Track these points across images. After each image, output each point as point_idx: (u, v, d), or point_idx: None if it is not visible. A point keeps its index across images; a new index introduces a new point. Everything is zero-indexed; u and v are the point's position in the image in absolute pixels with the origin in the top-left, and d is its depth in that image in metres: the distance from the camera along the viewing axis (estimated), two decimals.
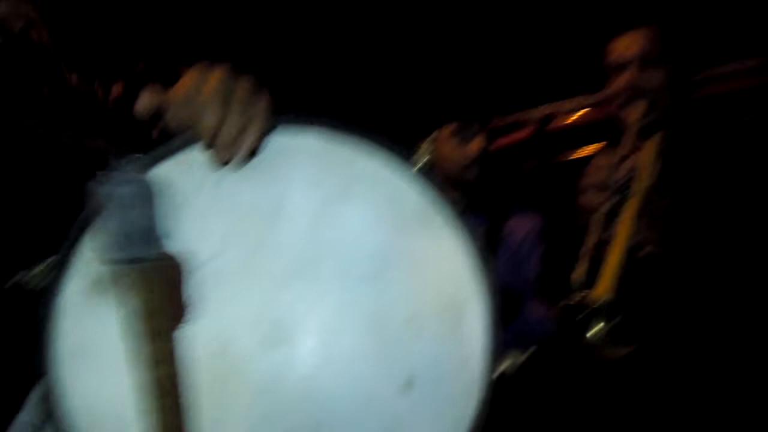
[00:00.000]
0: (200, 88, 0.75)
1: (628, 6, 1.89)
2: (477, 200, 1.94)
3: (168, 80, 0.86)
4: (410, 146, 0.87)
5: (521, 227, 2.02)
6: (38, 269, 0.76)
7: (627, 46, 1.73)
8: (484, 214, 1.96)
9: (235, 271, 0.82)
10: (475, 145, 1.90)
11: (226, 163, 0.77)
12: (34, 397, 0.79)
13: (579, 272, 1.52)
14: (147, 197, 0.74)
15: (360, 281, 0.85)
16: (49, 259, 0.77)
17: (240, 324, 0.81)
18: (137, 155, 0.76)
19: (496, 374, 0.84)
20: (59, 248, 0.78)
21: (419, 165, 0.85)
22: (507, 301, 1.61)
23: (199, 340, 0.79)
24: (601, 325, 1.43)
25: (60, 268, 0.78)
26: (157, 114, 0.89)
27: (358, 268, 0.85)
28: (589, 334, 1.43)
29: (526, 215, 2.06)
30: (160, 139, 0.83)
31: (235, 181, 0.82)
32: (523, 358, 0.87)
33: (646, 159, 1.61)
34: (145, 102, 0.91)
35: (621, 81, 1.71)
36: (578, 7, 2.67)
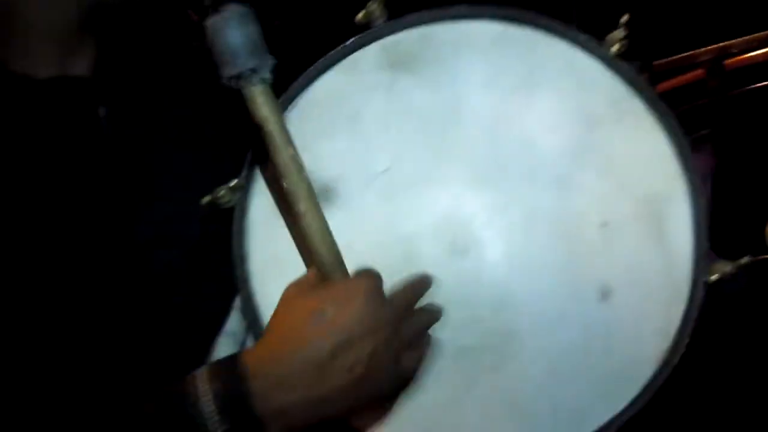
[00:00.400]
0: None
1: None
2: None
3: None
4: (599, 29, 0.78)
5: None
6: (224, 189, 0.77)
7: None
8: None
9: (416, 177, 0.79)
10: None
11: None
12: (235, 309, 0.80)
13: None
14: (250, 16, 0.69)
15: (548, 183, 0.78)
16: (233, 181, 0.78)
17: (424, 233, 0.78)
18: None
19: (707, 279, 0.75)
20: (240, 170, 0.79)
21: (614, 48, 0.76)
22: None
23: (383, 251, 0.77)
24: None
25: (244, 188, 0.79)
26: None
27: (546, 169, 0.78)
28: None
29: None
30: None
31: (408, 84, 0.79)
32: (732, 269, 0.76)
33: None
34: None
35: None
36: None
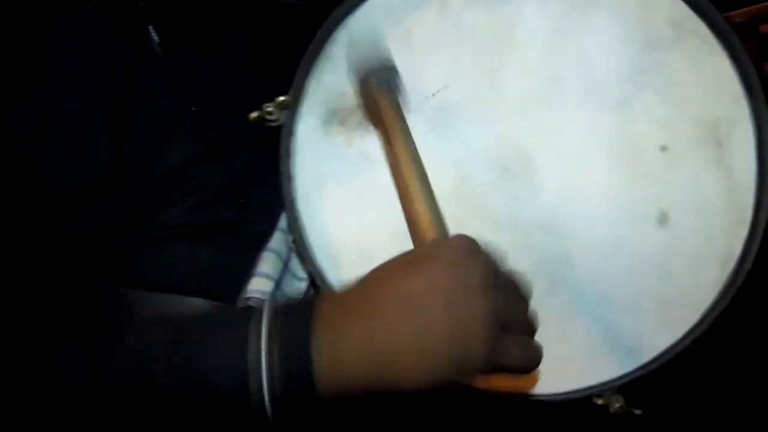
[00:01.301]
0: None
1: None
2: None
3: None
4: None
5: None
6: (272, 105, 0.75)
7: None
8: None
9: (468, 100, 0.77)
10: None
11: None
12: (279, 229, 0.79)
13: None
14: None
15: (606, 106, 0.76)
16: (281, 98, 0.76)
17: (477, 155, 0.76)
18: None
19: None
20: (288, 87, 0.77)
21: None
22: None
23: (434, 174, 0.75)
24: None
25: (292, 105, 0.77)
26: None
27: (604, 91, 0.76)
28: None
29: None
30: None
31: (461, 2, 0.76)
32: None
33: None
34: None
35: None
36: None
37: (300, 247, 0.76)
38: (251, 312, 0.54)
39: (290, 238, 0.77)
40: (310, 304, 0.54)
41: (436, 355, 0.51)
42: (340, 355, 0.51)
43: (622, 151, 0.76)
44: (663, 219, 0.75)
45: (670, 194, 0.75)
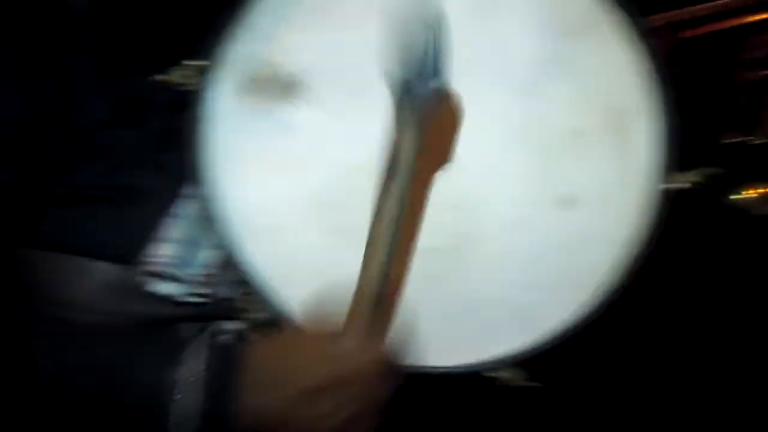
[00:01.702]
0: None
1: None
2: None
3: None
4: None
5: None
6: (184, 69, 0.74)
7: None
8: None
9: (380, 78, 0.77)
10: None
11: None
12: (186, 196, 0.78)
13: None
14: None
15: (517, 91, 0.78)
16: (196, 62, 0.75)
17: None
18: None
19: (670, 189, 0.76)
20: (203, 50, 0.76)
21: None
22: None
23: (349, 146, 0.76)
24: None
25: (208, 70, 0.76)
26: None
27: (515, 76, 0.78)
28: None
29: None
30: None
31: None
32: (692, 179, 0.78)
33: None
34: None
35: None
36: None
37: (212, 216, 0.76)
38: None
39: (203, 206, 0.77)
40: (240, 359, 0.68)
41: None
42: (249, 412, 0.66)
43: (531, 134, 0.78)
44: (567, 201, 0.78)
45: (575, 178, 0.78)
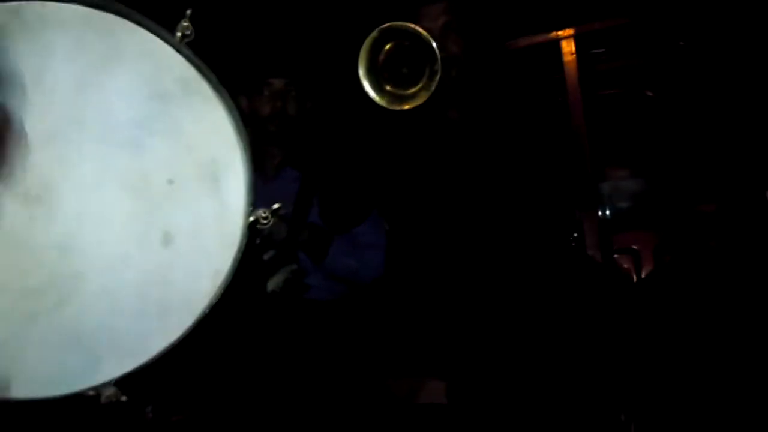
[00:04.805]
0: None
1: None
2: None
3: None
4: (173, 21, 0.93)
5: None
6: None
7: None
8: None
9: None
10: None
11: None
12: None
13: None
14: None
15: (121, 145, 0.90)
16: None
17: None
18: None
19: (246, 222, 0.91)
20: None
21: (183, 36, 0.91)
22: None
23: None
24: None
25: None
26: None
27: (120, 133, 0.90)
28: None
29: None
30: None
31: None
32: (268, 213, 0.93)
33: None
34: None
35: None
36: None
37: None
38: None
39: None
40: None
41: None
42: None
43: (133, 182, 0.90)
44: (167, 240, 0.90)
45: (173, 219, 0.91)
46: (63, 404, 0.83)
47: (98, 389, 0.83)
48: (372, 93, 1.35)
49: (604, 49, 2.97)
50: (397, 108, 1.35)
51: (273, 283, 1.50)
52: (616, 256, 2.69)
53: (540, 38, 2.95)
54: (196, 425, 1.22)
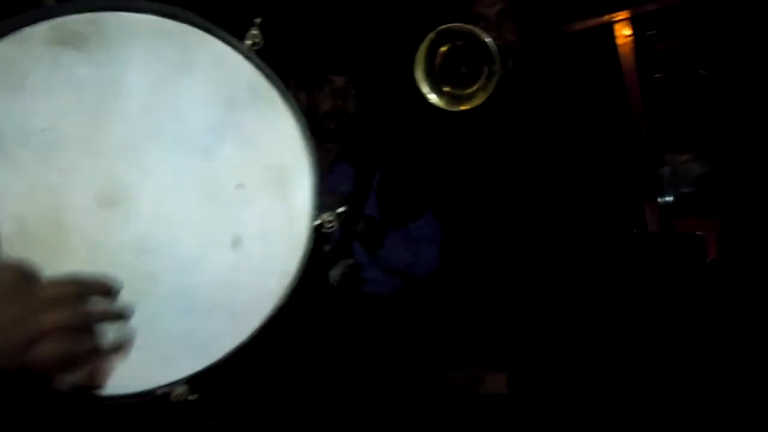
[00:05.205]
0: None
1: None
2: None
3: None
4: (242, 28, 0.96)
5: None
6: None
7: None
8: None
9: (73, 140, 0.89)
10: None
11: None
12: None
13: None
14: None
15: (194, 151, 0.93)
16: None
17: (76, 185, 0.88)
18: None
19: (313, 226, 0.93)
20: None
21: (252, 44, 0.94)
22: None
23: (34, 199, 0.86)
24: None
25: None
26: None
27: (193, 139, 0.93)
28: None
29: None
30: None
31: (73, 59, 0.89)
32: (333, 216, 0.96)
33: None
34: None
35: None
36: None
37: None
38: None
39: None
40: None
41: None
42: None
43: (204, 187, 0.93)
44: (236, 242, 0.93)
45: (242, 222, 0.94)
46: (132, 403, 0.87)
47: (170, 388, 0.87)
48: (430, 95, 1.36)
49: (656, 31, 2.92)
50: (455, 109, 1.35)
51: (331, 277, 1.54)
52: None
53: (595, 21, 2.92)
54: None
